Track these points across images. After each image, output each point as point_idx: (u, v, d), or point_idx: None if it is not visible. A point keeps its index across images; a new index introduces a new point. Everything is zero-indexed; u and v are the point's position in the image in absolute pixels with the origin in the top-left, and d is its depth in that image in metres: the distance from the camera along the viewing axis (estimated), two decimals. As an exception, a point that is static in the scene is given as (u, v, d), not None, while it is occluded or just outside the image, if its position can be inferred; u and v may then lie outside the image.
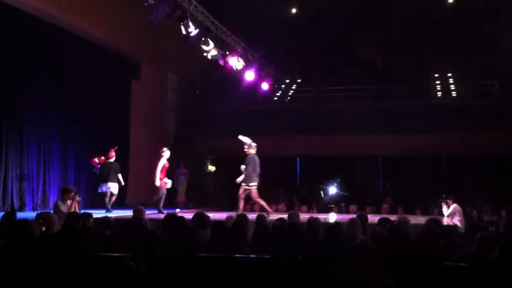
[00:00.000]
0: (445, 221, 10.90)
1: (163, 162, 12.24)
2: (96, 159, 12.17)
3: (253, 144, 11.50)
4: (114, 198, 12.13)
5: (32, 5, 11.51)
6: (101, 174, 12.00)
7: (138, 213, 7.67)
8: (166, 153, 12.37)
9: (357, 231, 5.45)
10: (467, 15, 18.18)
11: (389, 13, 19.29)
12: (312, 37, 19.06)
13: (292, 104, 19.51)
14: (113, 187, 12.02)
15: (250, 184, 11.27)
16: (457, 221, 11.57)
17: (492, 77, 17.77)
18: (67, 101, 13.46)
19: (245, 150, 11.52)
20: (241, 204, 11.41)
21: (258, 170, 11.32)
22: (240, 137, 11.76)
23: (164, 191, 12.25)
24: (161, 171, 12.15)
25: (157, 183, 12.09)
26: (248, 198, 11.75)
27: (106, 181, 11.91)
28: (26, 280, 3.69)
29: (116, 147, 12.55)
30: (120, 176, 12.26)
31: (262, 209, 11.67)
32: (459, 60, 18.72)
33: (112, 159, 12.17)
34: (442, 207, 12.46)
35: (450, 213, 11.94)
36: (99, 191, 12.06)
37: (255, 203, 12.40)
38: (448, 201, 12.20)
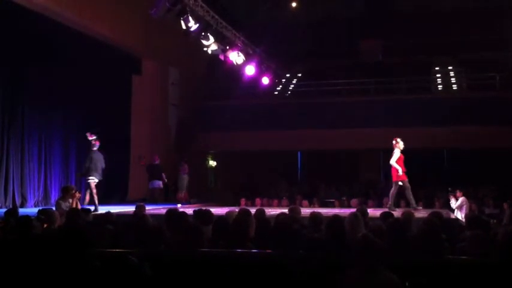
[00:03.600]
0: (446, 213, 10.90)
1: (398, 153, 11.27)
2: (143, 161, 14.93)
3: (97, 141, 11.38)
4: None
5: (32, 0, 11.49)
6: (151, 175, 14.31)
7: (139, 209, 7.68)
8: (400, 143, 11.31)
9: (358, 224, 5.45)
10: (469, 9, 18.17)
11: (391, 8, 19.28)
12: (313, 31, 19.05)
13: (293, 99, 19.49)
14: (161, 184, 14.47)
15: (89, 178, 11.17)
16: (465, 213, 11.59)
17: (493, 69, 17.75)
18: (68, 96, 13.47)
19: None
20: (87, 197, 11.18)
21: (98, 165, 11.23)
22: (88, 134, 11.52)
23: (407, 185, 11.24)
24: (397, 162, 11.19)
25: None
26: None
27: (157, 179, 14.19)
28: (28, 277, 3.70)
29: (157, 154, 14.74)
30: (164, 175, 14.47)
31: (90, 202, 11.32)
32: (460, 53, 18.69)
33: (157, 162, 14.36)
34: (450, 200, 12.45)
35: (458, 206, 11.98)
36: (151, 187, 14.28)
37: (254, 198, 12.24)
38: (456, 194, 12.24)
